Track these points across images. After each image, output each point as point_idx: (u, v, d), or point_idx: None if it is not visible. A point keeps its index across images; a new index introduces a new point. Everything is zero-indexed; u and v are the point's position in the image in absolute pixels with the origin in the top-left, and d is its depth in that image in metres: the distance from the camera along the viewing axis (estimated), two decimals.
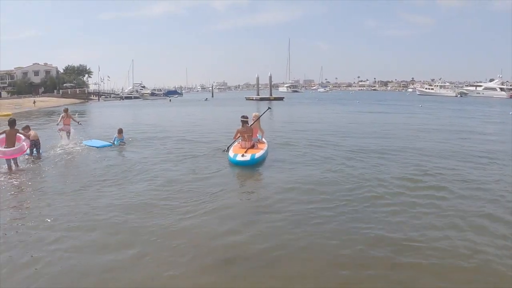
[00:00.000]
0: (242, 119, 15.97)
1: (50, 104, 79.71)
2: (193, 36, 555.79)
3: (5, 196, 10.93)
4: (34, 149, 16.83)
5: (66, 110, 22.07)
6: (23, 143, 14.78)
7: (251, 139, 15.68)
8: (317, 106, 60.63)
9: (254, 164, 14.18)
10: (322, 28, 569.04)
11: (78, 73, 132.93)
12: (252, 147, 15.38)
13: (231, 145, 16.45)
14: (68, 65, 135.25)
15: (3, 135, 14.51)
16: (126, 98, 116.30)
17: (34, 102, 74.15)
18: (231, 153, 14.93)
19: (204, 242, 7.76)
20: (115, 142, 20.49)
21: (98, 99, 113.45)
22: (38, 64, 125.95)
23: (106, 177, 13.02)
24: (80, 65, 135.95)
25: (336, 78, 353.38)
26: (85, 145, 19.83)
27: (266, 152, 15.59)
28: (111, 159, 16.58)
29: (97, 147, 19.34)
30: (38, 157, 16.76)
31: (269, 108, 21.18)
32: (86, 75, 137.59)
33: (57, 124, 21.92)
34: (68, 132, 21.63)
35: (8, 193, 11.33)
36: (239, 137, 16.06)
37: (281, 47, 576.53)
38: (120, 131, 20.95)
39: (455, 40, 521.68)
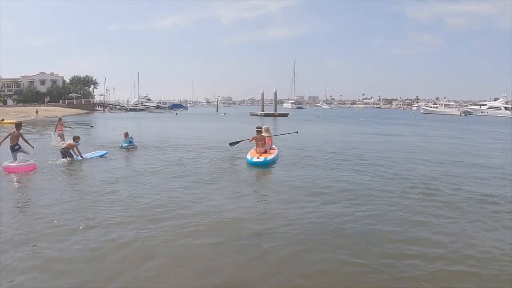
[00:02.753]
0: (257, 129, 19.36)
1: (55, 113, 79.62)
2: (199, 49, 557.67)
3: None
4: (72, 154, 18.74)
5: (60, 119, 26.88)
6: (34, 163, 16.33)
7: (264, 146, 18.86)
8: (322, 124, 60.21)
9: (266, 165, 17.59)
10: (328, 45, 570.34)
11: (84, 83, 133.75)
12: (265, 152, 18.65)
13: (238, 142, 21.60)
14: (75, 75, 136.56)
15: (8, 137, 16.67)
16: (131, 110, 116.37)
17: (37, 111, 73.84)
18: (248, 156, 18.40)
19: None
20: (123, 145, 22.70)
21: (103, 110, 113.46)
22: (45, 73, 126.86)
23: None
24: (87, 75, 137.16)
25: (341, 95, 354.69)
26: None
27: (277, 156, 18.97)
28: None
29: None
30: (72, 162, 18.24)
31: (296, 132, 25.32)
32: (92, 86, 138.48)
33: (54, 132, 26.22)
34: (61, 136, 25.65)
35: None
36: (252, 141, 19.42)
37: (286, 63, 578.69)
38: (126, 134, 23.17)
39: (460, 58, 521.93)
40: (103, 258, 7.34)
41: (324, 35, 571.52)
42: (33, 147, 17.69)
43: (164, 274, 6.80)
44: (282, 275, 6.86)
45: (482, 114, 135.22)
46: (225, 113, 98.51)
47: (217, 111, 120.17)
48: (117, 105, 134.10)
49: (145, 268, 6.96)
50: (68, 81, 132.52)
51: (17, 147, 16.61)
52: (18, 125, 17.24)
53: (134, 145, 23.02)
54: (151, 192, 12.42)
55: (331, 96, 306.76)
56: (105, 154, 20.42)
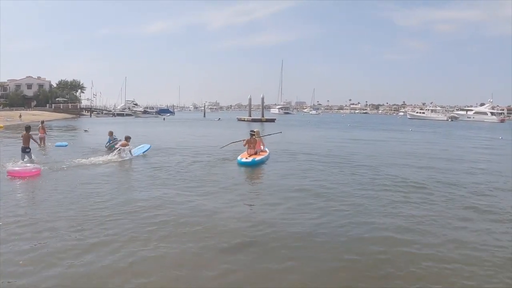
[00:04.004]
0: (250, 132, 21.31)
1: (41, 118, 78.71)
2: (186, 55, 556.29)
3: None
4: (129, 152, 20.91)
5: (42, 122, 28.08)
6: (39, 167, 16.23)
7: (254, 148, 20.49)
8: (311, 131, 60.00)
9: (254, 165, 19.11)
10: (316, 51, 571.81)
11: (71, 88, 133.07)
12: (255, 154, 20.23)
13: (227, 144, 23.24)
14: (61, 80, 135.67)
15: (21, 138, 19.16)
16: (118, 115, 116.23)
17: (20, 115, 72.81)
18: (239, 157, 19.93)
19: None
20: (107, 143, 23.97)
21: (90, 115, 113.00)
22: (32, 77, 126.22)
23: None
24: (74, 80, 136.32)
25: (328, 100, 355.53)
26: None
27: (266, 158, 20.55)
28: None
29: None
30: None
31: (280, 132, 28.31)
32: (79, 90, 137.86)
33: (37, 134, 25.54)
34: (43, 139, 26.04)
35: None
36: (246, 144, 20.87)
37: (274, 68, 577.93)
38: (111, 133, 24.36)
39: (446, 64, 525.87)
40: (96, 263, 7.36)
41: (312, 41, 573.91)
42: (40, 146, 22.10)
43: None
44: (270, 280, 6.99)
45: (468, 119, 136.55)
46: (219, 119, 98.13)
47: (205, 116, 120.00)
48: (104, 110, 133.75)
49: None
50: (55, 85, 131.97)
51: (28, 149, 18.76)
52: (28, 128, 19.26)
53: (117, 140, 23.46)
54: (149, 196, 12.58)
55: (318, 101, 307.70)
56: (149, 148, 23.12)
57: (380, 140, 38.82)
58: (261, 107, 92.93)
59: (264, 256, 7.88)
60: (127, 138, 21.33)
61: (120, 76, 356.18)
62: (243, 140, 21.70)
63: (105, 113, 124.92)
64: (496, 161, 24.72)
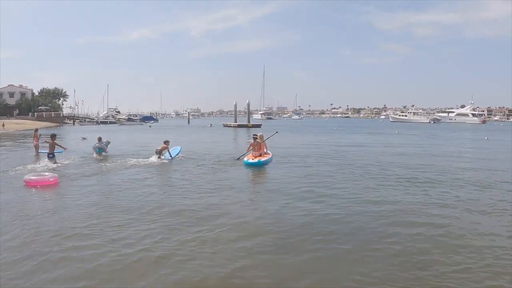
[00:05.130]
0: (253, 136, 22.96)
1: (25, 126, 78.16)
2: (168, 62, 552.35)
3: None
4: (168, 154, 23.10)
5: (36, 130, 28.21)
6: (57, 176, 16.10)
7: (259, 150, 22.04)
8: (303, 136, 60.07)
9: (259, 165, 20.80)
10: (296, 56, 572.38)
11: (53, 96, 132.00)
12: (260, 155, 21.79)
13: (243, 155, 23.10)
14: (44, 88, 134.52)
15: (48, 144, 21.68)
16: (102, 122, 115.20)
17: (3, 124, 71.76)
18: (245, 158, 21.88)
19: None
20: (97, 149, 24.99)
21: (73, 123, 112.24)
22: (14, 85, 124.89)
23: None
24: (56, 88, 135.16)
25: (310, 105, 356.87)
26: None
27: (270, 159, 22.09)
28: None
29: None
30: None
31: (276, 132, 28.73)
32: (62, 99, 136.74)
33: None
34: (36, 147, 26.52)
35: None
36: (250, 148, 22.61)
37: (255, 74, 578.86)
38: (100, 139, 25.42)
39: (427, 67, 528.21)
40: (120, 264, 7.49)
41: (292, 46, 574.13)
42: (65, 148, 23.59)
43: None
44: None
45: (450, 121, 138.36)
46: (211, 125, 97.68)
47: (189, 123, 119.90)
48: (87, 118, 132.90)
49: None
50: (37, 93, 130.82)
51: (51, 155, 21.29)
52: (53, 136, 22.24)
53: (106, 147, 25.47)
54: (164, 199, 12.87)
55: (299, 106, 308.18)
56: (180, 150, 25.01)
57: (379, 143, 39.11)
58: (245, 113, 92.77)
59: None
60: (166, 142, 23.64)
61: (102, 84, 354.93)
62: (247, 149, 23.22)
63: (88, 121, 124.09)
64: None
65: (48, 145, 22.07)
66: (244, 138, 47.12)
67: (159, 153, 22.83)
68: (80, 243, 8.45)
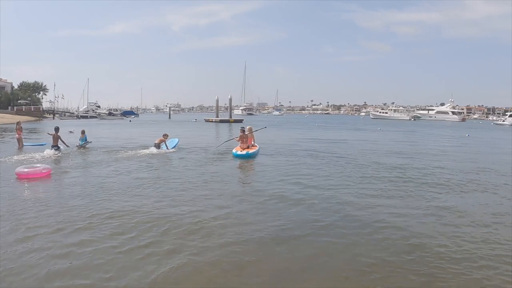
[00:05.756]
0: (241, 128, 23.81)
1: (4, 120, 77.23)
2: (148, 56, 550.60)
3: None
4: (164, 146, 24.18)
5: (18, 123, 27.44)
6: (49, 168, 15.94)
7: (246, 142, 22.91)
8: (286, 131, 60.18)
9: (247, 157, 21.50)
10: (278, 53, 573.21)
11: (33, 90, 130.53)
12: (248, 147, 22.70)
13: (224, 142, 26.20)
14: (23, 81, 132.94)
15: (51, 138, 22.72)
16: (82, 117, 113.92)
17: None
18: (234, 150, 22.56)
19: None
20: (80, 143, 25.51)
21: (53, 117, 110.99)
22: None
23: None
24: (36, 82, 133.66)
25: (290, 101, 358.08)
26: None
27: (257, 151, 22.86)
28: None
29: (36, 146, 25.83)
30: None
31: (265, 127, 30.89)
32: (42, 92, 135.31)
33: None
34: (20, 140, 26.63)
35: None
36: (238, 140, 23.26)
37: (236, 70, 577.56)
38: (83, 132, 26.02)
39: (408, 65, 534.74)
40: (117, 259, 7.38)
41: (274, 43, 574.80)
42: (68, 146, 23.95)
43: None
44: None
45: (430, 118, 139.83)
46: (196, 120, 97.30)
47: (170, 117, 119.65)
48: (67, 112, 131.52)
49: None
50: (16, 87, 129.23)
51: (56, 147, 22.35)
52: (57, 129, 23.07)
53: (88, 142, 26.02)
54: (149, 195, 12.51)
55: (280, 102, 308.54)
56: (178, 142, 26.54)
57: (364, 140, 39.18)
58: (226, 109, 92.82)
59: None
60: (165, 135, 24.87)
61: (82, 78, 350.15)
62: (236, 138, 24.16)
63: (68, 115, 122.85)
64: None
65: (51, 137, 22.75)
66: (226, 132, 48.77)
67: (157, 146, 23.89)
68: (72, 237, 8.34)
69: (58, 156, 21.37)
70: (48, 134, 24.12)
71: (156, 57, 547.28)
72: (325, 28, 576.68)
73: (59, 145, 22.61)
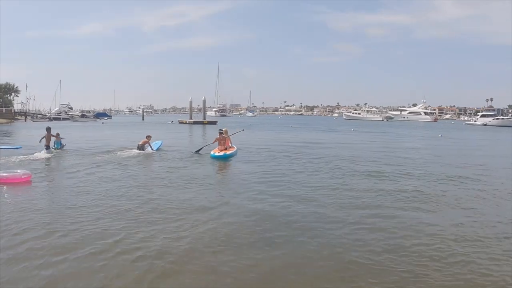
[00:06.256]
0: (219, 131, 24.26)
1: None
2: (121, 57, 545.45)
3: None
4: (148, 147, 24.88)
5: None
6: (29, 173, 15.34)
7: (224, 144, 23.40)
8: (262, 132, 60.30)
9: (224, 158, 22.06)
10: (249, 54, 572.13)
11: (4, 91, 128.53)
12: (225, 149, 23.13)
13: (202, 147, 25.12)
14: None
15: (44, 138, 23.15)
16: (55, 119, 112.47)
17: None
18: (212, 152, 22.90)
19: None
20: (56, 146, 25.15)
21: (25, 120, 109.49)
22: None
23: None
24: (7, 83, 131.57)
25: (263, 102, 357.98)
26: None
27: (234, 152, 23.57)
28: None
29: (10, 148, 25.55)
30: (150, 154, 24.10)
31: (242, 129, 32.04)
32: (13, 94, 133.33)
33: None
34: None
35: None
36: (215, 141, 23.81)
37: (209, 71, 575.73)
38: (58, 135, 25.68)
39: (379, 66, 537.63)
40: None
41: (245, 44, 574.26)
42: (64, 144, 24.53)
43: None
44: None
45: (403, 119, 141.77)
46: (172, 121, 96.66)
47: (143, 119, 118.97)
48: (39, 114, 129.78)
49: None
50: None
51: (48, 147, 22.88)
52: (49, 129, 23.69)
53: (63, 145, 26.08)
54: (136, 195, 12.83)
55: (253, 103, 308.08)
56: (161, 143, 27.37)
57: (337, 140, 39.93)
58: (200, 110, 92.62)
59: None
60: (148, 137, 25.47)
61: (53, 80, 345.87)
62: (212, 142, 24.58)
63: (40, 117, 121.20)
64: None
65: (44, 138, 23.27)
66: (201, 134, 49.95)
67: (141, 148, 24.54)
68: (55, 243, 8.26)
69: (48, 157, 21.76)
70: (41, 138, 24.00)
71: (128, 58, 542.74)
72: (296, 29, 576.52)
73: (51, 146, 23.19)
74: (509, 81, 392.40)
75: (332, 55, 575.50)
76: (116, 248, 8.00)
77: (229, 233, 9.06)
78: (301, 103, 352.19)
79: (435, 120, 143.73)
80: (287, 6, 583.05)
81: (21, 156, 21.25)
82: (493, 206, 11.94)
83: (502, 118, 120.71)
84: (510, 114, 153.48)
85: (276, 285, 6.74)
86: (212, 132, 46.09)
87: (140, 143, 24.90)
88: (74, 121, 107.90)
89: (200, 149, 24.89)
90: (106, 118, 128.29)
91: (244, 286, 6.66)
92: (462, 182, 15.82)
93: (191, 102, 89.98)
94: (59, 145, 25.66)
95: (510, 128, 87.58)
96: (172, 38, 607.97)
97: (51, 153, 22.81)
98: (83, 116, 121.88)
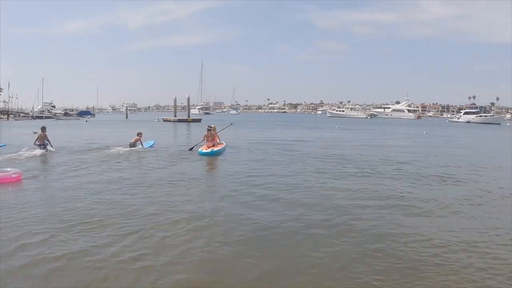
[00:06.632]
0: (208, 127, 24.58)
1: None
2: (104, 55, 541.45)
3: None
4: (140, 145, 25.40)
5: None
6: (20, 172, 14.98)
7: (212, 141, 23.81)
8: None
9: (212, 155, 22.31)
10: (234, 52, 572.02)
11: None
12: (214, 145, 23.47)
13: (195, 145, 24.88)
14: None
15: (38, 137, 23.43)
16: (38, 117, 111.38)
17: None
18: (200, 149, 23.17)
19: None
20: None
21: (7, 118, 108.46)
22: None
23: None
24: None
25: (246, 100, 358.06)
26: None
27: (223, 149, 23.84)
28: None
29: None
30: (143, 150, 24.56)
31: (231, 124, 32.82)
32: None
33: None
34: None
35: None
36: (204, 139, 24.29)
37: (192, 69, 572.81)
38: (43, 129, 24.53)
39: (363, 64, 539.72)
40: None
41: (229, 42, 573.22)
42: (53, 147, 23.74)
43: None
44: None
45: (386, 116, 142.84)
46: (158, 119, 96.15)
47: (127, 117, 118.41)
48: (21, 113, 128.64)
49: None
50: None
51: (42, 146, 22.97)
52: (43, 128, 24.00)
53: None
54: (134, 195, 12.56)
55: (236, 101, 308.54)
56: (154, 143, 27.41)
57: (321, 137, 40.03)
58: (183, 108, 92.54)
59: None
60: (139, 134, 25.91)
61: (36, 78, 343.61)
62: (202, 140, 24.78)
63: (23, 116, 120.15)
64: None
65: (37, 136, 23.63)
66: (185, 131, 50.18)
67: (133, 145, 24.95)
68: (47, 244, 8.03)
69: (44, 155, 21.96)
70: (34, 132, 24.05)
71: (111, 56, 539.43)
72: (282, 27, 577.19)
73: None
74: (491, 79, 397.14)
75: (317, 53, 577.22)
76: (111, 248, 7.92)
77: (225, 232, 9.04)
78: (284, 101, 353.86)
79: (419, 117, 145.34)
80: (272, 4, 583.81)
81: (7, 155, 20.88)
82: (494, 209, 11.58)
83: (485, 116, 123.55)
84: (492, 112, 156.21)
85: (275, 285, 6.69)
86: (197, 130, 46.28)
87: (132, 140, 25.30)
88: (57, 119, 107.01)
89: (193, 147, 24.93)
90: (89, 116, 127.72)
91: (242, 285, 6.63)
92: (458, 181, 15.74)
93: (175, 100, 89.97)
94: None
95: (493, 125, 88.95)
96: (157, 36, 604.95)
97: (46, 151, 22.77)
98: (66, 114, 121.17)
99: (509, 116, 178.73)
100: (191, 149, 24.72)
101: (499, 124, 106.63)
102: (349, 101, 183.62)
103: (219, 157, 22.29)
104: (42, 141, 23.25)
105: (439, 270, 6.98)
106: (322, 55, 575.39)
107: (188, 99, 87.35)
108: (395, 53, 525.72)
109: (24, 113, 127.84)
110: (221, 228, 9.28)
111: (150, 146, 26.44)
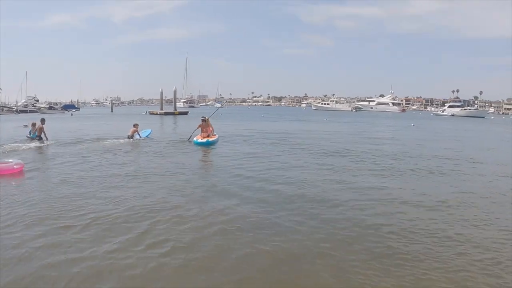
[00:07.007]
0: (202, 118, 25.34)
1: None
2: (88, 49, 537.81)
3: None
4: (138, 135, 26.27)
5: None
6: (22, 163, 14.94)
7: (207, 131, 24.86)
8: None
9: (207, 145, 23.47)
10: (218, 45, 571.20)
11: None
12: (208, 136, 24.59)
13: (191, 135, 25.70)
14: None
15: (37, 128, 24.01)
16: (22, 111, 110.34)
17: None
18: (195, 138, 24.39)
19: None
20: (33, 136, 24.72)
21: None
22: None
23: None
24: None
25: (231, 93, 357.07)
26: None
27: (217, 140, 25.07)
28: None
29: None
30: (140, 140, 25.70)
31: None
32: None
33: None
34: None
35: None
36: (198, 127, 25.23)
37: (177, 63, 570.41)
38: (34, 125, 25.28)
39: (347, 58, 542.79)
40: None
41: (214, 35, 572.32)
42: (47, 139, 24.01)
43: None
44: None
45: (371, 109, 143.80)
46: (146, 112, 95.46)
47: (112, 111, 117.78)
48: (5, 107, 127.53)
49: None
50: None
51: (39, 137, 23.62)
52: (43, 120, 24.69)
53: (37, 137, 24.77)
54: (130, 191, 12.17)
55: (220, 94, 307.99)
56: (150, 132, 28.54)
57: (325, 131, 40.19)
58: (167, 101, 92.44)
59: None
60: (136, 125, 26.89)
61: (19, 72, 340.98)
62: (197, 128, 25.72)
63: (7, 110, 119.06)
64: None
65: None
66: (171, 123, 50.40)
67: (131, 137, 25.74)
68: (50, 236, 7.97)
69: (41, 147, 22.17)
70: (25, 126, 24.02)
71: (95, 50, 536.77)
72: (267, 21, 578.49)
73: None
74: (475, 73, 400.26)
75: (302, 47, 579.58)
76: (124, 241, 7.83)
77: (226, 221, 9.08)
78: (268, 94, 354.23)
79: (403, 110, 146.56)
80: None
81: (4, 146, 21.14)
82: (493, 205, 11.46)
83: (470, 109, 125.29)
84: (476, 105, 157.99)
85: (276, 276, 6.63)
86: (184, 123, 46.41)
87: (130, 133, 26.13)
88: (41, 113, 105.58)
89: (190, 137, 25.78)
90: (74, 110, 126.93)
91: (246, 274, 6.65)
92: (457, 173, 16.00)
93: (161, 93, 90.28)
94: (35, 135, 24.66)
95: (477, 118, 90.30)
96: (141, 29, 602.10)
97: (43, 143, 23.09)
98: (50, 108, 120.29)
99: (492, 109, 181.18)
100: (189, 139, 25.57)
101: (483, 117, 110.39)
102: (333, 94, 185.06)
103: (213, 148, 23.00)
104: (40, 133, 23.80)
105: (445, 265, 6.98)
106: (307, 49, 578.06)
107: (175, 92, 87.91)
108: (380, 47, 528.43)
109: (8, 107, 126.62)
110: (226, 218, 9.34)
111: (147, 136, 27.41)
